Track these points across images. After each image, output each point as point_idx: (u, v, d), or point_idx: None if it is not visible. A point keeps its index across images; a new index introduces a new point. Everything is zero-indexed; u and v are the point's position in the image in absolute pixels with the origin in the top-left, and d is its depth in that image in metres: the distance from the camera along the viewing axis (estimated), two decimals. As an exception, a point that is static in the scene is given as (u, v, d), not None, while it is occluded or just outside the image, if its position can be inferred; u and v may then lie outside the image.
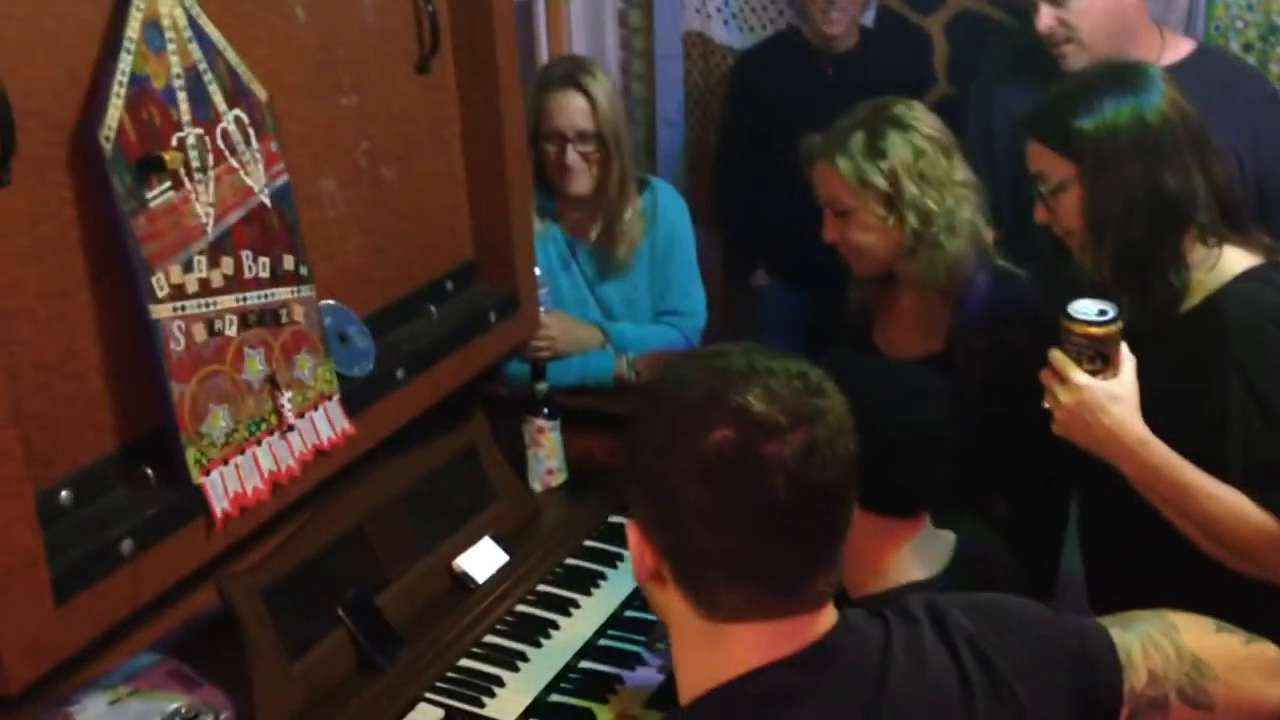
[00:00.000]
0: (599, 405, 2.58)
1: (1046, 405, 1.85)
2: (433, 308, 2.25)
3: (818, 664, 1.16)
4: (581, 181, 2.68)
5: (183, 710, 1.68)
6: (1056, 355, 1.83)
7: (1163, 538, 1.85)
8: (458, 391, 2.29)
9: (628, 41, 3.86)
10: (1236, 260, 1.89)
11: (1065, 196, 1.92)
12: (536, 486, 2.45)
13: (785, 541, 1.13)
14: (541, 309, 2.55)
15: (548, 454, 2.46)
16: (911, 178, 2.21)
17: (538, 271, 2.52)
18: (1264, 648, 1.38)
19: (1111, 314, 1.80)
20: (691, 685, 1.19)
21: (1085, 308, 1.81)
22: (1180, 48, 2.62)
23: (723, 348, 1.18)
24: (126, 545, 1.60)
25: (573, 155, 2.66)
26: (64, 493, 1.58)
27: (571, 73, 2.68)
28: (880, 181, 2.21)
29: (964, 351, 2.26)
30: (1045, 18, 2.59)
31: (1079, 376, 1.80)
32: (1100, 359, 1.80)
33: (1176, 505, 1.81)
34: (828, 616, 1.18)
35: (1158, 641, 1.31)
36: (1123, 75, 1.92)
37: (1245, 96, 2.55)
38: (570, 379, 2.64)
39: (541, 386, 2.46)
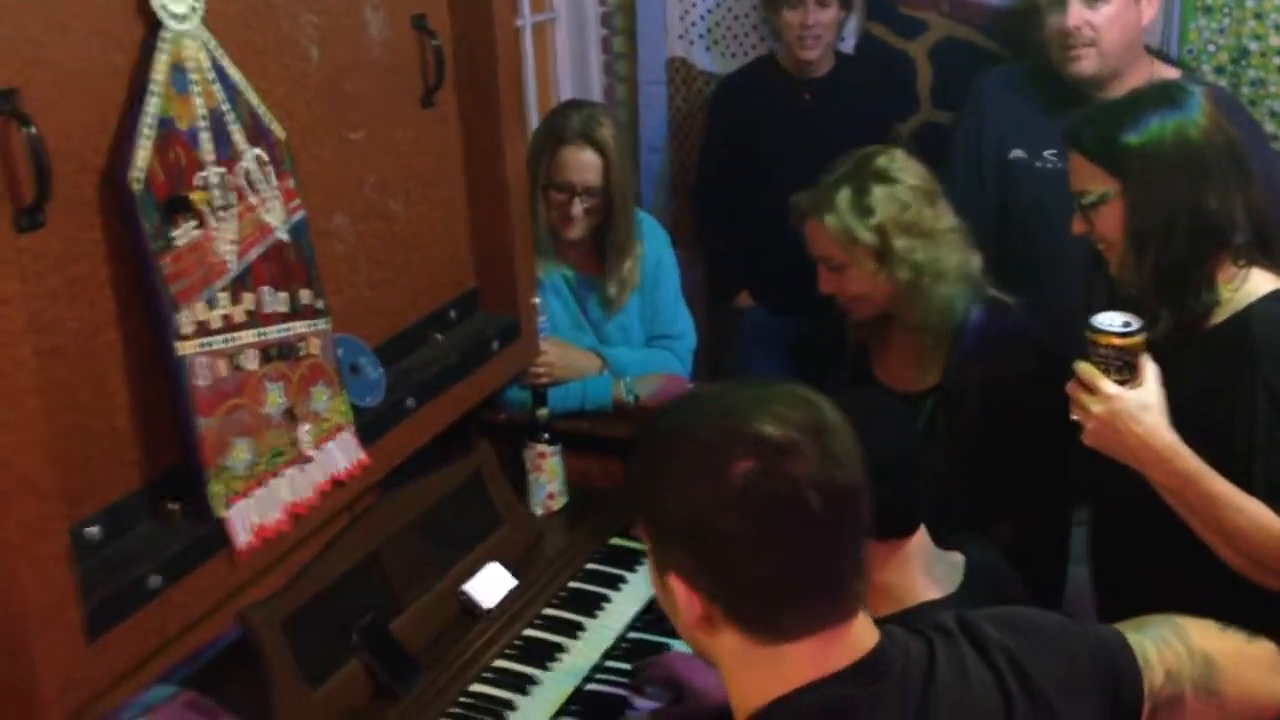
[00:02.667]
0: (598, 429, 2.62)
1: (1075, 417, 1.88)
2: (438, 336, 2.28)
3: (870, 678, 1.20)
4: (579, 229, 2.73)
5: (208, 742, 1.70)
6: (1084, 367, 1.86)
7: (1175, 554, 1.90)
8: (460, 420, 2.33)
9: (611, 67, 3.91)
10: (1263, 281, 1.95)
11: (1106, 210, 1.97)
12: (538, 511, 2.49)
13: (826, 550, 1.17)
14: (540, 335, 2.59)
15: (549, 478, 2.50)
16: (899, 232, 2.27)
17: (536, 300, 2.56)
18: (1266, 645, 1.46)
19: (1136, 325, 1.85)
20: (748, 701, 1.22)
21: (1110, 320, 1.85)
22: (1167, 75, 2.70)
23: (712, 389, 1.24)
24: (154, 580, 1.62)
25: (578, 208, 2.70)
26: (93, 529, 1.60)
27: (588, 129, 2.70)
28: (869, 238, 2.27)
29: (962, 382, 2.32)
30: (1075, 15, 2.64)
31: (1109, 387, 1.83)
32: (1127, 369, 1.85)
33: (1203, 515, 1.85)
34: (870, 629, 1.22)
35: (1170, 642, 1.38)
36: (1168, 93, 1.98)
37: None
38: (570, 404, 2.68)
39: (542, 412, 2.49)
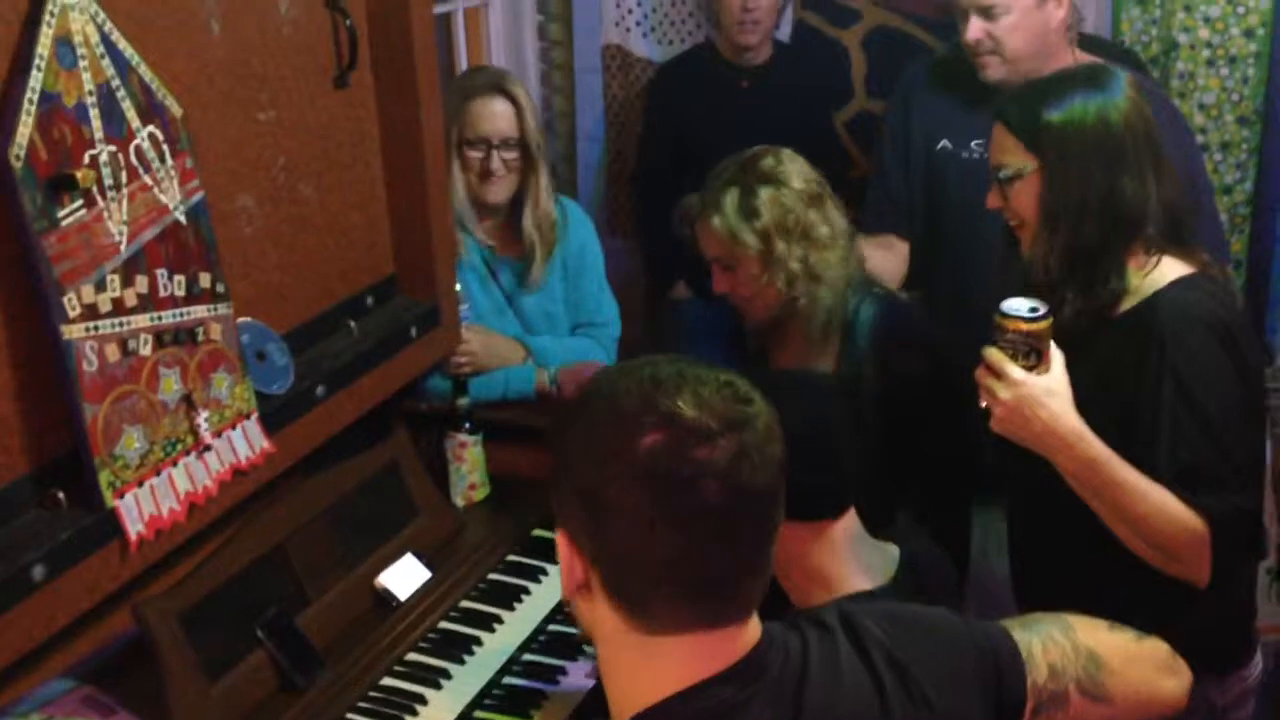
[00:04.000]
0: (521, 419, 2.58)
1: (983, 403, 1.88)
2: (352, 323, 2.24)
3: (748, 679, 1.17)
4: (502, 189, 2.68)
5: (99, 737, 1.65)
6: (992, 352, 1.86)
7: (1088, 545, 1.90)
8: (378, 408, 2.28)
9: (547, 54, 3.86)
10: (1172, 268, 1.95)
11: (1022, 186, 1.96)
12: (459, 502, 2.45)
13: (718, 545, 1.13)
14: (462, 324, 2.55)
15: (470, 469, 2.45)
16: (781, 236, 2.27)
17: (458, 287, 2.52)
18: (1155, 644, 1.45)
19: (1043, 310, 1.85)
20: (624, 704, 1.19)
21: (1018, 305, 1.85)
22: None
23: (651, 359, 1.20)
24: (38, 571, 1.57)
25: (496, 162, 2.66)
26: (-28, 517, 1.55)
27: (496, 81, 2.68)
28: (753, 241, 2.27)
29: (856, 376, 2.32)
30: (974, 29, 2.66)
31: (1016, 372, 1.83)
32: (1034, 354, 1.85)
33: (1108, 500, 1.85)
34: (754, 628, 1.20)
35: (1056, 639, 1.36)
36: (1094, 75, 1.98)
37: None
38: (492, 393, 2.64)
39: (463, 401, 2.45)
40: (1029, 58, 2.64)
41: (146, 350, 1.72)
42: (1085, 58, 2.74)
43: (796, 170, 2.31)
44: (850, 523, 1.71)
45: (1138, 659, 1.41)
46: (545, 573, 2.30)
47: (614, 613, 1.17)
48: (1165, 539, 1.84)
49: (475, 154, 2.66)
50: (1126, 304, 1.95)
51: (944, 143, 2.80)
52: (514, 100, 2.67)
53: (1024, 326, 1.83)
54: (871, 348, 2.31)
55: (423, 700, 1.97)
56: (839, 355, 2.35)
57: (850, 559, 1.69)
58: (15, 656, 1.56)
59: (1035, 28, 2.65)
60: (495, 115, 2.66)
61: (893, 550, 1.76)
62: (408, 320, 2.34)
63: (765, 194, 2.26)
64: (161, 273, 1.74)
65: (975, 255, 2.57)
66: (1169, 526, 1.83)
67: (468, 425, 2.44)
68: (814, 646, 1.23)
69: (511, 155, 2.67)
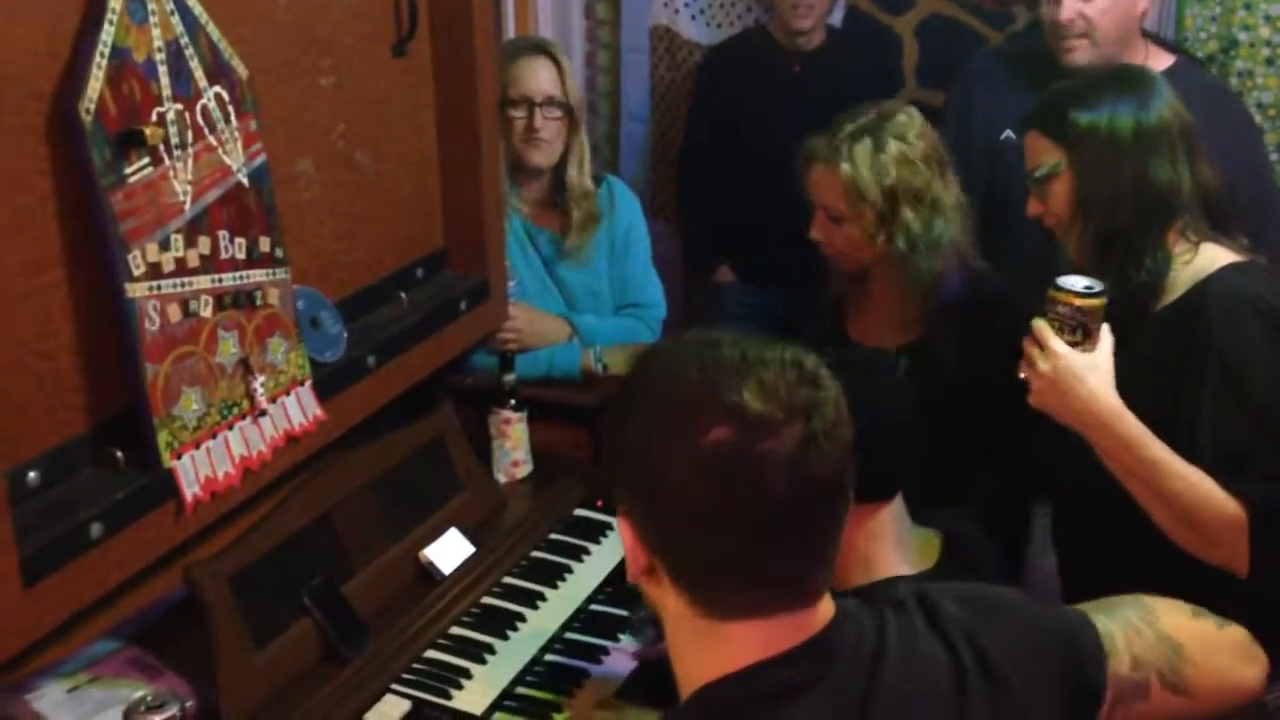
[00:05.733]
0: (565, 398, 2.57)
1: (1022, 374, 1.86)
2: (403, 295, 2.22)
3: (816, 659, 1.15)
4: (546, 152, 2.68)
5: (148, 699, 1.64)
6: (1039, 323, 1.84)
7: (1137, 541, 1.87)
8: (424, 382, 2.27)
9: (594, 34, 3.84)
10: (1218, 255, 1.93)
11: (1056, 184, 1.97)
12: (501, 478, 2.43)
13: (786, 539, 1.11)
14: (510, 300, 2.53)
15: (514, 445, 2.44)
16: (908, 201, 2.23)
17: (507, 263, 2.50)
18: (1236, 631, 1.41)
19: (1097, 289, 1.83)
20: (690, 680, 1.18)
21: (1073, 280, 1.84)
22: (1162, 60, 2.68)
23: (713, 337, 1.16)
24: (96, 528, 1.56)
25: (540, 120, 2.65)
26: (32, 473, 1.54)
27: (537, 42, 2.72)
28: (877, 198, 2.23)
29: (938, 342, 2.28)
30: (1069, 9, 2.63)
31: (1059, 345, 1.82)
32: (1082, 331, 1.83)
33: (1145, 482, 1.83)
34: (825, 609, 1.17)
35: (1138, 627, 1.33)
36: (1127, 78, 1.98)
37: (1219, 116, 2.59)
38: (538, 371, 2.63)
39: (509, 377, 2.43)
40: (1114, 42, 2.62)
41: (206, 312, 1.71)
42: (1158, 51, 2.71)
43: (928, 134, 2.28)
44: (897, 507, 1.69)
45: (1219, 647, 1.38)
46: (588, 552, 2.29)
47: (680, 598, 1.16)
48: (1201, 522, 1.82)
49: (518, 114, 2.65)
50: (1170, 297, 1.93)
51: (1008, 133, 2.77)
52: (556, 61, 2.68)
53: (1075, 301, 1.82)
54: (957, 311, 2.27)
55: (467, 674, 1.96)
56: (920, 327, 2.31)
57: (894, 542, 1.68)
58: (72, 612, 1.55)
59: (1125, 12, 2.64)
60: (538, 75, 2.66)
61: (933, 535, 1.75)
62: (457, 294, 2.32)
63: (898, 151, 2.23)
64: (223, 235, 1.73)
65: (1035, 247, 2.54)
66: (1205, 510, 1.80)
67: (513, 402, 2.43)
68: (890, 624, 1.21)
69: (554, 115, 2.66)
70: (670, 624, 1.19)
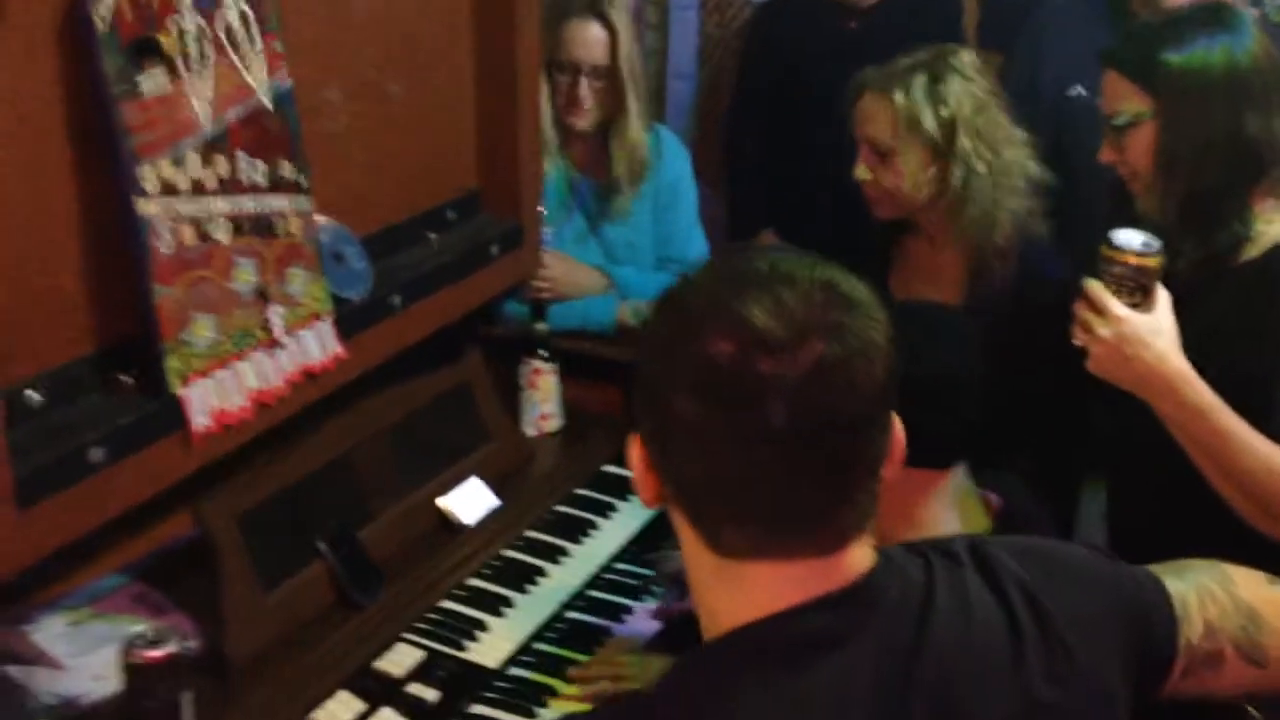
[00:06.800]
0: (600, 351, 2.48)
1: (1077, 342, 1.75)
2: (433, 236, 2.15)
3: (855, 607, 1.05)
4: (587, 117, 2.58)
5: (147, 634, 1.58)
6: (1094, 285, 1.72)
7: (1193, 516, 1.77)
8: (454, 329, 2.19)
9: (643, -12, 3.74)
10: None
11: (1138, 133, 1.85)
12: (530, 431, 2.36)
13: (788, 476, 1.01)
14: (544, 249, 2.45)
15: (544, 397, 2.36)
16: (967, 130, 2.13)
17: (542, 209, 2.42)
18: None
19: (1156, 246, 1.72)
20: (715, 622, 1.09)
21: (1129, 237, 1.72)
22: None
23: (752, 247, 1.08)
24: (97, 453, 1.50)
25: (584, 89, 2.55)
26: (31, 393, 1.48)
27: (593, 2, 2.56)
28: (934, 128, 2.12)
29: (988, 306, 2.17)
30: None
31: (1119, 308, 1.70)
32: (1140, 292, 1.72)
33: (1211, 452, 1.72)
34: (863, 554, 1.08)
35: (1213, 592, 1.22)
36: (1215, 14, 1.85)
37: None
38: (571, 323, 2.54)
39: (540, 327, 2.36)
40: None
41: (223, 237, 1.64)
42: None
43: (987, 74, 2.20)
44: (959, 472, 1.60)
45: None
46: (615, 509, 2.21)
47: (691, 530, 1.07)
48: (1269, 496, 1.70)
49: (563, 78, 2.56)
50: (1250, 253, 1.82)
51: (1078, 89, 2.64)
52: (610, 26, 2.56)
53: (1134, 260, 1.70)
54: (1013, 276, 2.16)
55: (483, 626, 1.89)
56: (970, 284, 2.20)
57: (950, 507, 1.58)
58: (69, 538, 1.49)
59: None
60: (589, 41, 2.55)
61: (990, 497, 1.65)
62: (489, 238, 2.25)
63: (958, 85, 2.13)
64: (243, 156, 1.66)
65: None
66: (1276, 483, 1.69)
67: (544, 352, 2.35)
68: (940, 575, 1.10)
69: (600, 84, 2.56)
70: (689, 561, 1.11)
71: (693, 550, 1.08)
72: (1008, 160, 2.14)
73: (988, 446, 1.65)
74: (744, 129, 3.52)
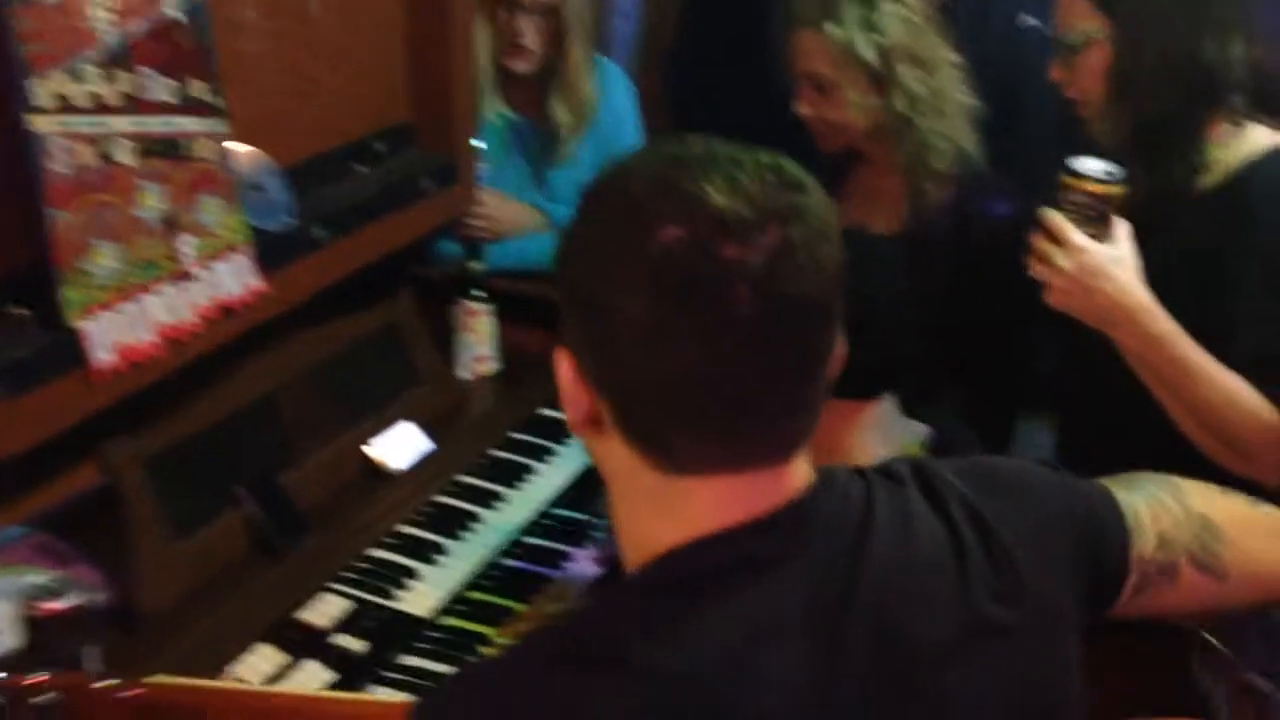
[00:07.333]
0: (539, 292, 2.38)
1: (1035, 274, 1.69)
2: (360, 169, 2.04)
3: (791, 528, 0.98)
4: (529, 59, 2.45)
5: (49, 585, 1.48)
6: (1054, 216, 1.66)
7: (1157, 451, 1.71)
8: (384, 268, 2.09)
9: (585, -78, 3.62)
10: (1267, 137, 1.75)
11: (1090, 54, 1.77)
12: (465, 375, 2.26)
13: (751, 368, 0.93)
14: (480, 186, 2.34)
15: (479, 339, 2.27)
16: (904, 58, 2.07)
17: (482, 145, 2.31)
18: (1271, 510, 1.25)
19: (1119, 175, 1.65)
20: (637, 551, 1.01)
21: (1091, 165, 1.66)
22: None
23: (681, 136, 0.99)
24: (-10, 390, 1.39)
25: (523, 25, 2.42)
26: (-84, 325, 1.37)
27: None
28: (872, 58, 2.06)
29: (929, 234, 2.11)
30: None
31: (1079, 238, 1.64)
32: (1100, 222, 1.65)
33: (1173, 384, 1.66)
34: (803, 471, 1.01)
35: (1165, 502, 1.17)
36: None
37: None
38: (508, 262, 2.43)
39: (476, 266, 2.26)
40: None
41: (126, 159, 1.52)
42: None
43: None
44: (888, 402, 1.54)
45: (1256, 527, 1.21)
46: (552, 453, 2.13)
47: (629, 449, 0.98)
48: (1234, 430, 1.65)
49: (505, 15, 2.42)
50: (1209, 181, 1.75)
51: (1028, 19, 2.56)
52: None
53: (1095, 189, 1.64)
54: (953, 205, 2.10)
55: (412, 574, 1.81)
56: (907, 214, 2.14)
57: (879, 439, 1.53)
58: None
59: None
60: None
61: (920, 429, 1.60)
62: (421, 172, 2.14)
63: (890, 10, 2.06)
64: (149, 73, 1.54)
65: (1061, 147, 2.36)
66: (1239, 416, 1.64)
67: (480, 293, 2.26)
68: (880, 494, 1.04)
69: (542, 22, 2.42)
70: (618, 486, 1.02)
71: (627, 472, 1.00)
72: (945, 85, 2.08)
73: (920, 379, 1.60)
74: (685, 73, 3.42)
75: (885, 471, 1.08)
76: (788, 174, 0.95)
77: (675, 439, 0.96)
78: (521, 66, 2.45)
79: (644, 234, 0.92)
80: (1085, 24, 1.76)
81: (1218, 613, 1.26)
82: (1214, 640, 1.41)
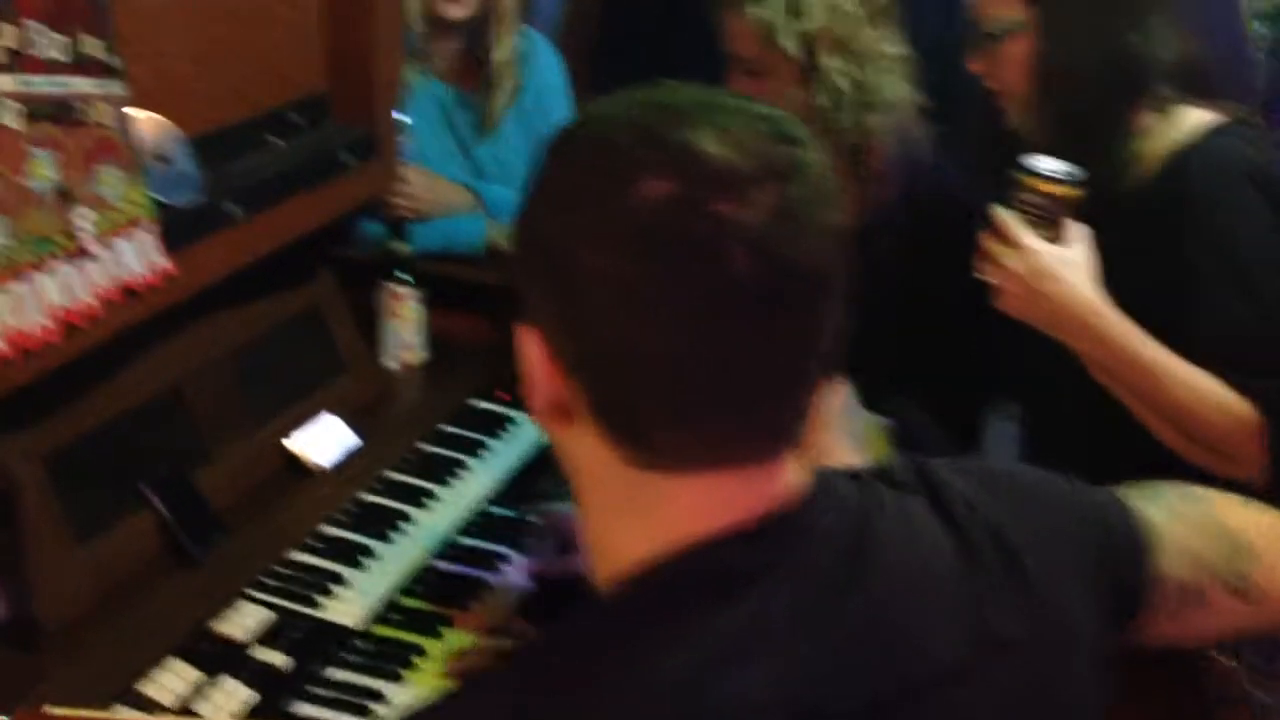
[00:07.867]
0: (469, 276, 2.26)
1: (983, 276, 1.62)
2: (275, 140, 1.89)
3: (775, 539, 0.87)
4: (462, 6, 2.32)
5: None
6: (1004, 215, 1.59)
7: (1121, 459, 1.64)
8: (302, 249, 1.94)
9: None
10: (1200, 119, 1.70)
11: (1011, 45, 1.72)
12: (391, 364, 2.13)
13: (744, 342, 0.82)
14: (403, 162, 2.20)
15: (406, 326, 2.13)
16: (829, 47, 1.95)
17: (406, 119, 2.17)
18: None
19: (1077, 175, 1.58)
20: (607, 561, 0.89)
21: (1047, 164, 1.59)
22: None
23: (674, 84, 0.87)
24: None
25: None
26: None
27: None
28: (794, 48, 1.95)
29: (879, 228, 2.02)
30: None
31: (1030, 239, 1.57)
32: (1054, 227, 1.59)
33: (1138, 389, 1.60)
34: (792, 472, 0.89)
35: (1187, 516, 1.07)
36: None
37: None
38: (435, 244, 2.30)
39: (401, 247, 2.13)
40: None
41: (12, 121, 1.37)
42: None
43: None
44: (843, 390, 1.45)
45: None
46: (486, 447, 2.00)
47: (602, 441, 0.86)
48: (1208, 430, 1.59)
49: None
50: (1140, 174, 1.70)
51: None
52: None
53: (1051, 189, 1.57)
54: (902, 200, 2.01)
55: (339, 580, 1.67)
56: (859, 203, 2.04)
57: (846, 431, 1.43)
58: None
59: None
60: None
61: (880, 420, 1.51)
62: (339, 146, 1.99)
63: None
64: (35, 26, 1.39)
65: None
66: (1211, 415, 1.58)
67: (405, 276, 2.12)
68: (881, 501, 0.93)
69: None
70: (586, 484, 0.90)
71: (596, 469, 0.88)
72: (877, 78, 1.97)
73: (880, 373, 1.51)
74: (613, 43, 3.30)
75: (882, 473, 0.98)
76: (786, 126, 0.85)
77: (653, 426, 0.84)
78: (456, 12, 2.33)
79: (625, 187, 0.80)
80: (1007, 13, 1.71)
81: (1250, 635, 1.17)
82: (1213, 650, 1.34)
